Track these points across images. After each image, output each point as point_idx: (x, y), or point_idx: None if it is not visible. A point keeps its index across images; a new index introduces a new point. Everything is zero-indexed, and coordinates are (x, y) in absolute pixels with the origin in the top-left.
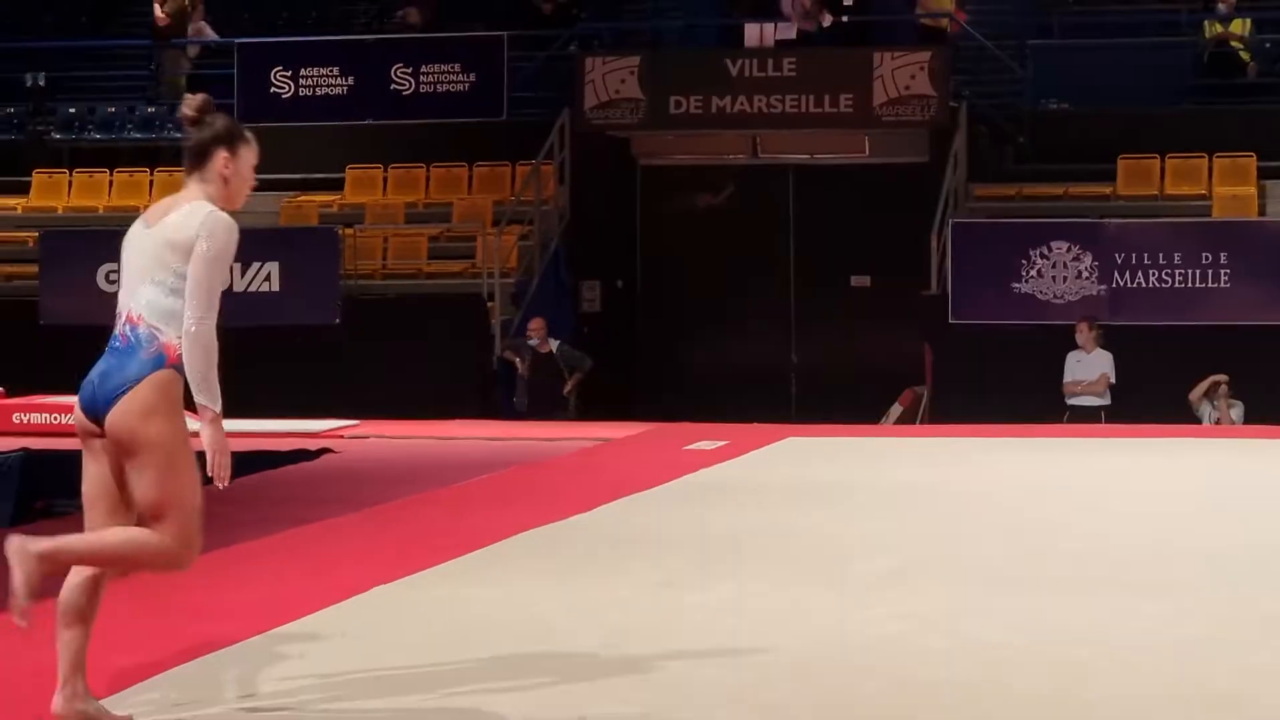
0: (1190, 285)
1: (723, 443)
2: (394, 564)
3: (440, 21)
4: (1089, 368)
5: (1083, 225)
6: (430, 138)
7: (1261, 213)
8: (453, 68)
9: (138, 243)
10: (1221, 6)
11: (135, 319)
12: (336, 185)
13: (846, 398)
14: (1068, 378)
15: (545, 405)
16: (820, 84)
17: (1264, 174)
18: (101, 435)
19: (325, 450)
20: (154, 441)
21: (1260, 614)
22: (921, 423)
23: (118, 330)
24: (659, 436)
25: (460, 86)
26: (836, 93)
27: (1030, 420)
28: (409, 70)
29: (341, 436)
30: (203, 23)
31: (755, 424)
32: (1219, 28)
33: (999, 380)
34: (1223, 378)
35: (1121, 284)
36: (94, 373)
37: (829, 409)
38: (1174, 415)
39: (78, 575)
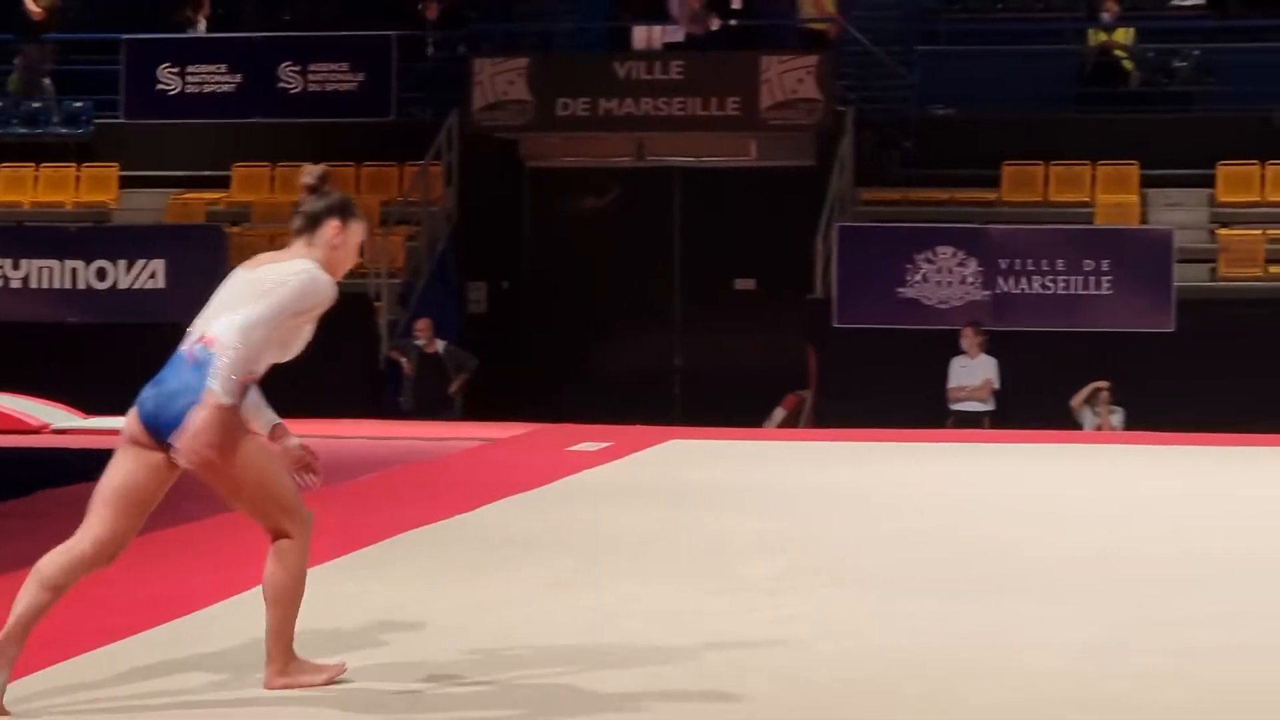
0: (1073, 292)
1: (606, 444)
2: None
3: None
4: (973, 373)
5: (967, 231)
6: (318, 137)
7: (1143, 220)
8: (341, 67)
9: (234, 281)
10: (1105, 15)
11: (209, 339)
12: (223, 183)
13: (730, 401)
14: (952, 383)
15: (431, 405)
16: (707, 87)
17: (1146, 182)
18: (152, 448)
19: None
20: (232, 465)
21: (1156, 618)
22: (804, 427)
23: (185, 348)
24: (542, 437)
25: (349, 86)
26: (723, 96)
27: (914, 425)
28: (297, 69)
29: None
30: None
31: (638, 426)
32: (1103, 36)
33: (883, 385)
34: (1104, 384)
35: (1006, 290)
36: (156, 388)
37: (712, 412)
38: (1056, 421)
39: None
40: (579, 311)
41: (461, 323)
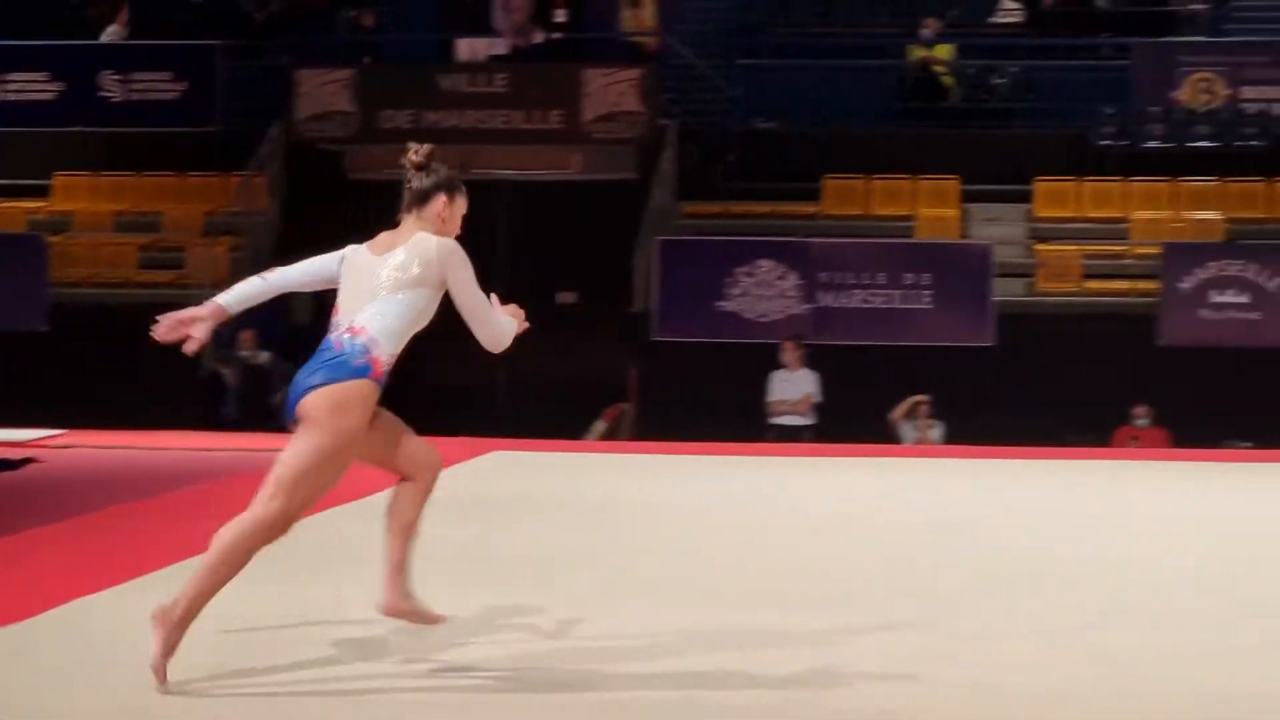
0: (893, 305)
1: None
2: (98, 574)
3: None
4: (793, 387)
5: (788, 244)
6: (141, 146)
7: (964, 235)
8: (164, 76)
9: (365, 266)
10: (926, 31)
11: (358, 329)
12: (44, 192)
13: (551, 414)
14: (772, 396)
15: (255, 416)
16: (531, 100)
17: (966, 196)
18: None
19: (29, 460)
20: (327, 429)
21: (970, 630)
22: (625, 439)
23: (333, 336)
24: None
25: (171, 95)
26: (547, 109)
27: (734, 438)
28: (119, 78)
29: (46, 446)
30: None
31: (460, 437)
32: (923, 51)
33: (703, 398)
34: (924, 398)
35: (826, 303)
36: (299, 376)
37: (534, 424)
38: (876, 435)
39: (402, 491)
40: None
41: (286, 334)
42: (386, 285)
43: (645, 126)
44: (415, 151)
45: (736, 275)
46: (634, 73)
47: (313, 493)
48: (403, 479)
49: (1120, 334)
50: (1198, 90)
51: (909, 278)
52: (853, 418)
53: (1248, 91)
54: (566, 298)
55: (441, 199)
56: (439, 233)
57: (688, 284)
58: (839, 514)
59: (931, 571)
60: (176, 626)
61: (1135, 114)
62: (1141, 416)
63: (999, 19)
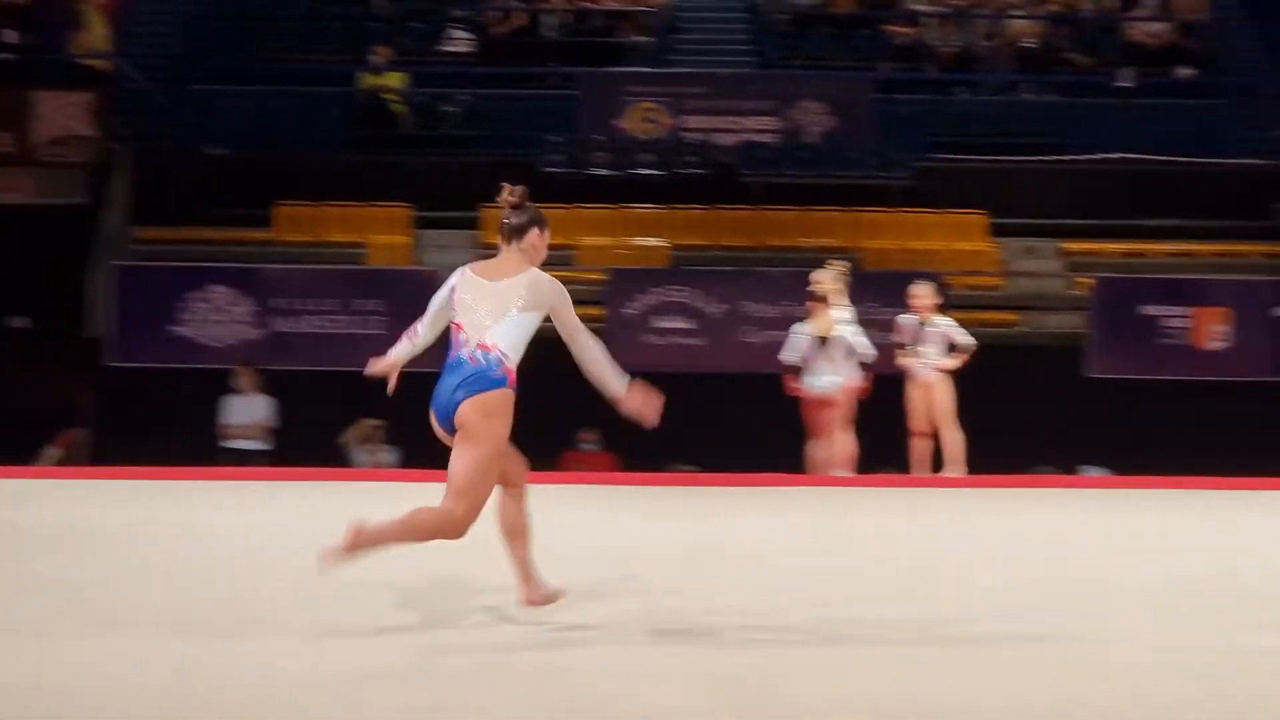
0: (346, 331)
1: None
2: None
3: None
4: (247, 411)
5: (241, 270)
6: None
7: (415, 261)
8: None
9: (479, 290)
10: (377, 59)
11: (489, 346)
12: None
13: (3, 439)
14: (226, 420)
15: None
16: None
17: (419, 223)
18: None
19: None
20: (484, 435)
21: (387, 640)
22: (81, 464)
23: (466, 353)
24: None
25: None
26: None
27: (191, 462)
28: None
29: None
30: None
31: None
32: (374, 79)
33: (159, 422)
34: (376, 423)
35: (279, 329)
36: (444, 390)
37: None
38: (331, 459)
39: (506, 499)
40: None
41: None
42: (506, 309)
43: (97, 150)
44: (510, 192)
45: (190, 301)
46: (85, 95)
47: (485, 498)
48: (505, 484)
49: (567, 359)
50: (642, 119)
51: (361, 304)
52: (306, 442)
53: (690, 121)
54: (17, 322)
55: (535, 231)
56: (532, 260)
57: (142, 309)
58: (292, 537)
59: (369, 587)
60: (361, 543)
61: (581, 142)
62: (589, 441)
63: (449, 48)
